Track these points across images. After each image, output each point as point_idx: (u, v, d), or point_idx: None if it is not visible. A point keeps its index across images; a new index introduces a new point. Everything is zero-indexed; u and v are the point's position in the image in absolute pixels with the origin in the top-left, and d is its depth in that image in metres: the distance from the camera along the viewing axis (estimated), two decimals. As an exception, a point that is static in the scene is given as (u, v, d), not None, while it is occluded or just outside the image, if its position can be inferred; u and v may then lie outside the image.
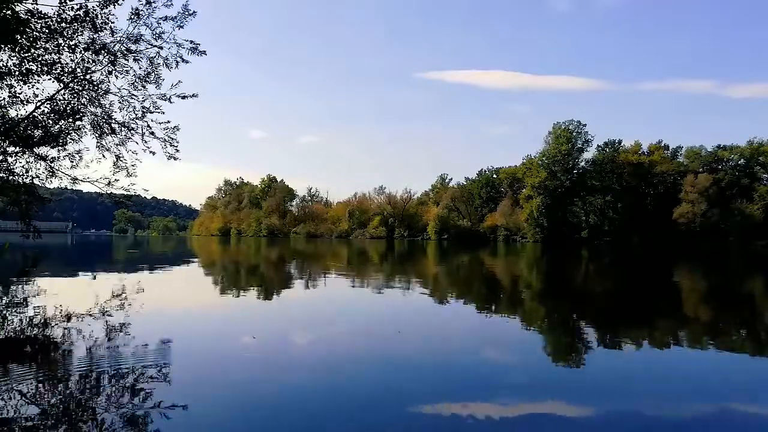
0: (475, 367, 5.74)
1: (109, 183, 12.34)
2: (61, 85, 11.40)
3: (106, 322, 7.67)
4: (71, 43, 10.90)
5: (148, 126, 12.24)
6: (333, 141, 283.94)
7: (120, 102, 12.09)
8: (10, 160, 11.76)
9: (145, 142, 12.34)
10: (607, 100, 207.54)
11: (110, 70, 11.66)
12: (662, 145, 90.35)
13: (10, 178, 11.86)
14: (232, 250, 42.10)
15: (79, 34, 10.92)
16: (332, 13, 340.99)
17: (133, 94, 12.01)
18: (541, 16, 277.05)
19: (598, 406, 4.45)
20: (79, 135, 12.20)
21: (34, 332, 7.02)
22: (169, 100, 12.04)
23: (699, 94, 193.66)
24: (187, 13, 11.47)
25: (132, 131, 12.29)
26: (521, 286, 15.55)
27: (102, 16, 10.84)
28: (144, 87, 11.97)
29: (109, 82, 11.85)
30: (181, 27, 11.54)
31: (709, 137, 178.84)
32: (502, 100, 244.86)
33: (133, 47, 11.56)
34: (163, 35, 11.54)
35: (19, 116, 11.40)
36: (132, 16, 11.26)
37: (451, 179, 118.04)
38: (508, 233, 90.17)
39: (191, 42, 11.84)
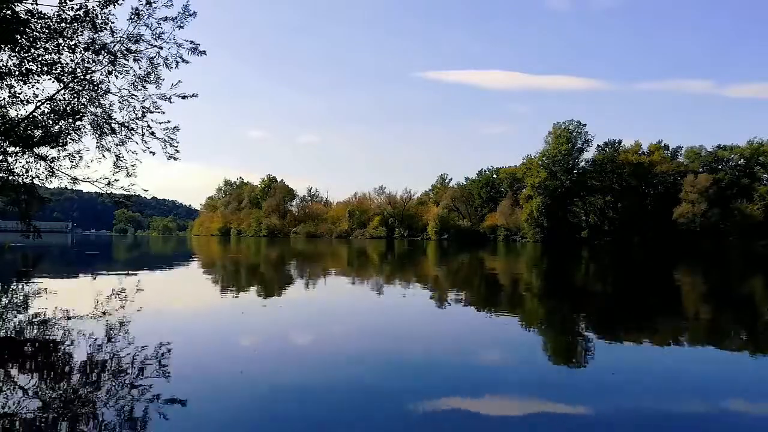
0: (475, 367, 5.75)
1: (109, 183, 12.35)
2: (61, 85, 11.40)
3: (106, 321, 7.68)
4: (71, 43, 10.91)
5: (148, 126, 12.25)
6: (333, 141, 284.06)
7: (120, 102, 12.11)
8: (10, 160, 11.77)
9: (145, 142, 12.35)
10: (607, 100, 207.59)
11: (110, 70, 11.68)
12: (662, 145, 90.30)
13: (10, 178, 11.86)
14: (232, 251, 42.09)
15: (79, 34, 10.93)
16: (332, 13, 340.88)
17: (133, 94, 12.03)
18: (541, 16, 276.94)
19: (598, 406, 4.45)
20: (79, 135, 12.20)
21: (34, 332, 7.03)
22: (169, 100, 12.06)
23: (699, 94, 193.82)
24: (187, 13, 11.50)
25: (132, 131, 12.30)
26: (521, 287, 15.55)
27: (102, 16, 10.85)
28: (144, 87, 11.99)
29: (109, 82, 11.87)
30: (181, 27, 11.56)
31: (709, 137, 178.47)
32: (502, 100, 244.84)
33: (133, 47, 11.58)
34: (163, 35, 11.57)
35: (19, 116, 11.41)
36: (132, 16, 11.27)
37: (451, 179, 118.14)
38: (508, 233, 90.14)
39: (191, 42, 11.87)
